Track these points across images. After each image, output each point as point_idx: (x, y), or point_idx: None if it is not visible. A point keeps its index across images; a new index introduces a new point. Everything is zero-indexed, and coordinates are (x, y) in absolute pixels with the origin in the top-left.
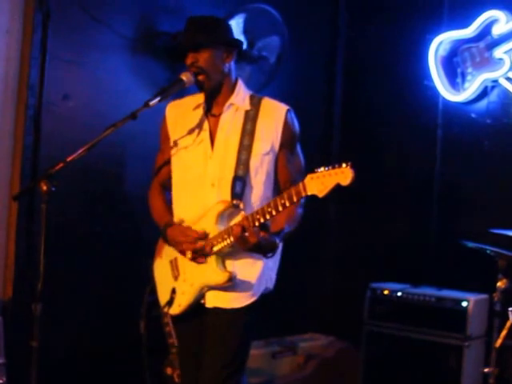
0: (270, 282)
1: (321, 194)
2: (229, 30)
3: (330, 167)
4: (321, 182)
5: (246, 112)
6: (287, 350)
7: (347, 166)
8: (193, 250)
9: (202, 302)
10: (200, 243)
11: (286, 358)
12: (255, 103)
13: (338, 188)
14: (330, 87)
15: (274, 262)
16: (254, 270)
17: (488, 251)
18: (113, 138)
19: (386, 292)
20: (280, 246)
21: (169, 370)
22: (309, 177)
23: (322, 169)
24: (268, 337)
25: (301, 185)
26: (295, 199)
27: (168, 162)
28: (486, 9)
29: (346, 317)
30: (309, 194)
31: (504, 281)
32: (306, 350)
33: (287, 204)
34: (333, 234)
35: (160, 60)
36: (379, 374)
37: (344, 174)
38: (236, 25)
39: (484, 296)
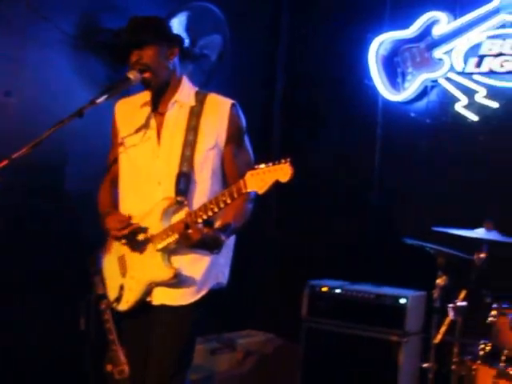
0: (223, 278)
1: (261, 191)
2: (170, 28)
3: (270, 164)
4: (261, 178)
5: (191, 108)
6: (226, 346)
7: (286, 162)
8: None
9: (149, 299)
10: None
11: (225, 354)
12: (200, 99)
13: (278, 185)
14: (270, 86)
15: (226, 258)
16: (201, 267)
17: (427, 248)
18: (55, 134)
19: (324, 289)
20: (230, 240)
21: (109, 367)
22: (249, 173)
23: (262, 165)
24: (207, 333)
25: (241, 182)
26: (236, 196)
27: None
28: (427, 9)
29: (285, 314)
30: (249, 190)
31: (443, 278)
32: (244, 347)
33: (228, 201)
34: (272, 231)
35: (101, 57)
36: (318, 370)
37: (283, 171)
38: (179, 23)
39: (422, 293)
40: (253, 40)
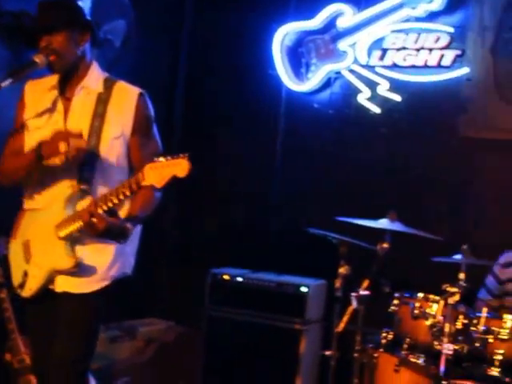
0: (129, 267)
1: (159, 185)
2: (82, 12)
3: (170, 157)
4: (159, 172)
5: (99, 95)
6: (126, 334)
7: (184, 157)
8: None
9: (52, 287)
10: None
11: (126, 342)
12: (108, 86)
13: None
14: (174, 74)
15: (132, 247)
16: (105, 255)
17: (330, 238)
18: None
19: (226, 277)
20: (137, 229)
21: (8, 356)
22: (148, 167)
23: (161, 159)
24: (107, 321)
25: (140, 174)
26: (135, 188)
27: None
28: (332, 1)
29: (187, 302)
30: (147, 184)
31: (345, 267)
32: (145, 335)
33: (127, 193)
34: (172, 219)
35: (2, 40)
36: (220, 358)
37: (181, 166)
38: (83, 6)
39: (323, 281)
40: (157, 26)
